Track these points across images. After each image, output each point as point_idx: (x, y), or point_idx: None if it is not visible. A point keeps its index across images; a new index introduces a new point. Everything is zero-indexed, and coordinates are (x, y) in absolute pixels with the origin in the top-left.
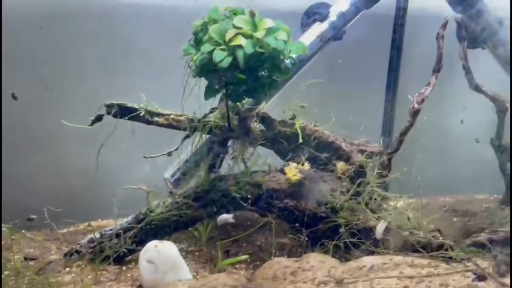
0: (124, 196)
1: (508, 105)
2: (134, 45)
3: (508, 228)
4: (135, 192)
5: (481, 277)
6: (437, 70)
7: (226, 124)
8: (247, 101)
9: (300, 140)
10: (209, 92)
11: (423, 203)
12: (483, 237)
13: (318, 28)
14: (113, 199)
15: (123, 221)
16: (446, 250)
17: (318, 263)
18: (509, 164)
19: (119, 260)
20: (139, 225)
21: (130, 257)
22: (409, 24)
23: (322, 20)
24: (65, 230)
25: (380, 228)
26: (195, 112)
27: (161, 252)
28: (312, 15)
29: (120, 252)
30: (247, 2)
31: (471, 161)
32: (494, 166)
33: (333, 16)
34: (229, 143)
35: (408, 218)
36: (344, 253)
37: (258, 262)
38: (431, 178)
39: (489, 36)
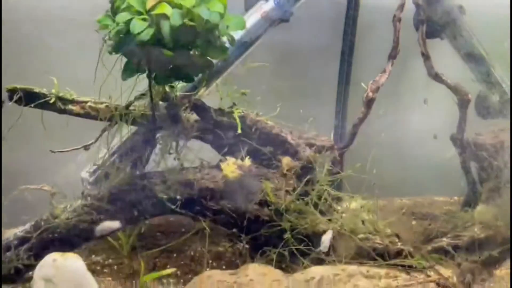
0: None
1: (470, 97)
2: (45, 20)
3: (472, 233)
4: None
5: None
6: (393, 56)
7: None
8: (180, 87)
9: (239, 131)
10: (128, 71)
11: (379, 205)
12: (445, 242)
13: (262, 8)
14: (4, 202)
15: (18, 230)
16: (405, 257)
17: (258, 276)
18: (471, 162)
19: (15, 277)
20: (38, 234)
21: (30, 273)
22: (362, 11)
23: None
24: None
25: (326, 238)
26: (110, 97)
27: (61, 268)
28: None
29: (10, 268)
30: None
31: (429, 160)
32: (453, 165)
33: None
34: (158, 135)
35: (362, 221)
36: (290, 263)
37: (190, 275)
38: (387, 177)
39: (448, 24)
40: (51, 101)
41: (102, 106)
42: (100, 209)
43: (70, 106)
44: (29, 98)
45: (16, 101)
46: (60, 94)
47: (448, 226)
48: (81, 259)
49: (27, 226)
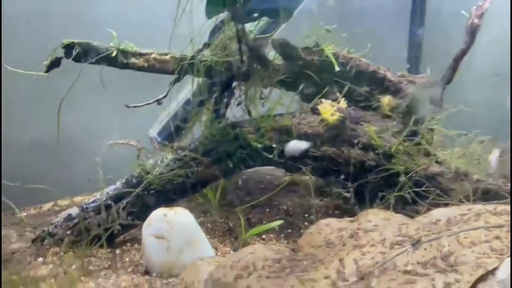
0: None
1: None
2: None
3: None
4: (115, 160)
5: None
6: None
7: (237, 55)
8: (255, 26)
9: (337, 68)
10: (212, 7)
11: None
12: None
13: None
14: (96, 158)
15: (109, 189)
16: None
17: (382, 221)
18: None
19: (109, 241)
20: (134, 192)
21: (122, 236)
22: None
23: None
24: (24, 214)
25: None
26: (192, 40)
27: (173, 223)
28: None
29: (113, 229)
30: None
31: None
32: None
33: None
34: (234, 84)
35: (478, 159)
36: (401, 208)
37: (289, 230)
38: None
39: None
40: (112, 55)
41: (168, 57)
42: (194, 162)
43: (133, 60)
44: (88, 53)
45: (74, 58)
46: (121, 47)
47: None
48: (190, 213)
49: (118, 184)
